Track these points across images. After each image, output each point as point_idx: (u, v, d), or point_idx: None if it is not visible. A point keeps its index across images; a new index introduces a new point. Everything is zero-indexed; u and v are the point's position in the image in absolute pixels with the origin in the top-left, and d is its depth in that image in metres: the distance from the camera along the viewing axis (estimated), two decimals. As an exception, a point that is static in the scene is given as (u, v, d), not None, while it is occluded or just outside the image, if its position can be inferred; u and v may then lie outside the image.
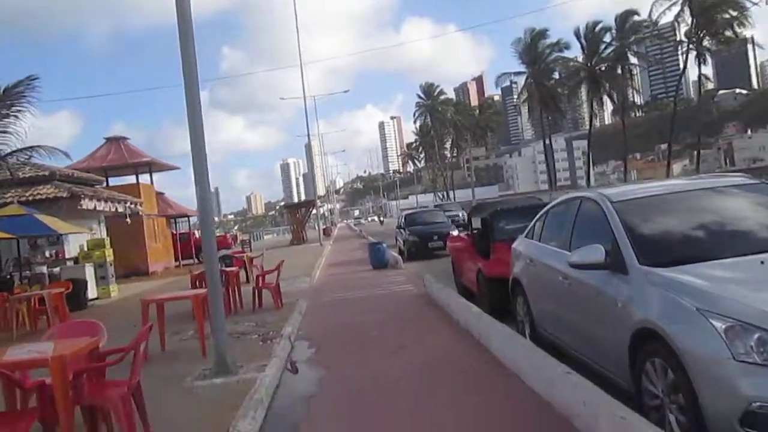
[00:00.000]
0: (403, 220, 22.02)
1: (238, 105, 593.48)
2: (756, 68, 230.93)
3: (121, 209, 19.52)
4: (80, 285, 15.30)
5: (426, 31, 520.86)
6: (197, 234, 38.46)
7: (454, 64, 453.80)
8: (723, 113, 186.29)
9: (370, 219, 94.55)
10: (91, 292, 16.87)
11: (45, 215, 14.87)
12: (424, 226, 20.75)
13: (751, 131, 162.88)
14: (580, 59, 51.04)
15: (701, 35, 42.90)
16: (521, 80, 57.57)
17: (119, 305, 15.55)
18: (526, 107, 58.16)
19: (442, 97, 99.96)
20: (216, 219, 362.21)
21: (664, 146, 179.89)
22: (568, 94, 53.71)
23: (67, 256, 17.99)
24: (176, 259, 31.88)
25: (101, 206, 17.93)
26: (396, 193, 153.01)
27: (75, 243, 18.62)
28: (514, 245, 7.13)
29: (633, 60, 50.83)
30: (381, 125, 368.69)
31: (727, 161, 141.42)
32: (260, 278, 11.65)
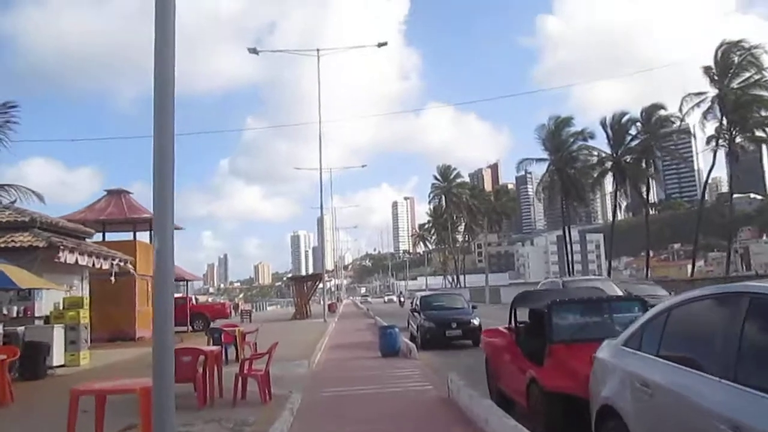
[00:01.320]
0: (417, 302, 19.75)
1: (257, 175, 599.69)
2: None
3: (106, 266, 17.55)
4: (40, 349, 13.19)
5: (447, 116, 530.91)
6: (194, 300, 36.41)
7: (471, 150, 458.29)
8: (737, 217, 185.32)
9: (386, 298, 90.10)
10: (57, 358, 14.67)
11: (13, 266, 12.93)
12: (442, 311, 18.51)
13: (767, 237, 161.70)
14: (604, 149, 50.04)
15: (734, 133, 41.67)
16: (541, 168, 56.49)
17: (84, 377, 13.30)
18: (546, 195, 56.58)
19: (459, 180, 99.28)
20: (222, 285, 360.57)
21: (677, 245, 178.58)
22: (592, 183, 52.19)
23: (37, 314, 15.89)
24: (168, 326, 29.57)
25: (84, 261, 15.99)
26: (405, 274, 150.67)
27: (50, 300, 16.55)
28: (599, 354, 5.02)
29: (658, 154, 49.63)
30: (394, 205, 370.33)
31: (744, 265, 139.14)
32: (246, 363, 9.46)
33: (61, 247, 14.77)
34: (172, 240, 4.61)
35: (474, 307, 19.09)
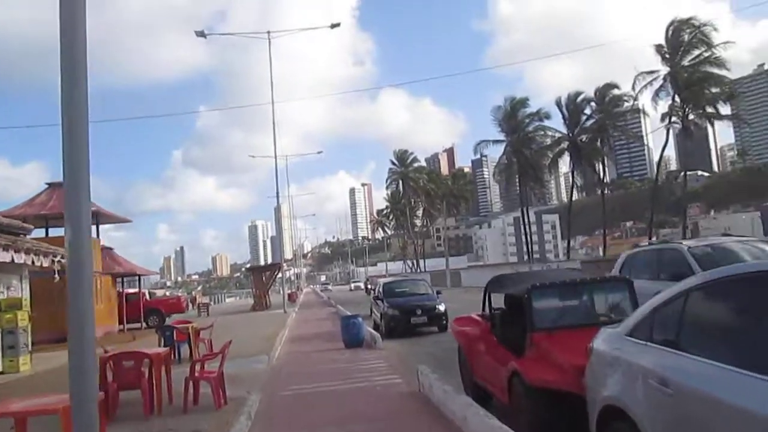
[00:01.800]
0: (380, 290, 19.02)
1: (211, 165, 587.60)
2: (716, 152, 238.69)
3: (47, 263, 16.34)
4: (-30, 358, 12.09)
5: (402, 102, 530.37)
6: (148, 295, 35.03)
7: (427, 135, 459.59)
8: (686, 194, 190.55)
9: (353, 285, 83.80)
10: (-7, 365, 13.57)
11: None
12: (406, 298, 17.88)
13: (714, 212, 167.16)
14: (560, 129, 50.07)
15: (687, 110, 42.08)
16: (497, 150, 56.33)
17: (21, 385, 12.25)
18: (503, 177, 56.45)
19: (416, 164, 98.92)
20: (179, 279, 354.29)
21: (629, 223, 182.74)
22: (549, 164, 52.23)
23: (-32, 319, 14.69)
24: (120, 323, 28.31)
25: (20, 259, 14.78)
26: (365, 260, 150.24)
27: (-16, 302, 15.34)
28: (596, 345, 4.41)
29: (613, 133, 49.94)
30: (352, 191, 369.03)
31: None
32: (197, 365, 8.64)
33: (-6, 245, 13.56)
34: (88, 230, 3.82)
35: (438, 293, 18.51)
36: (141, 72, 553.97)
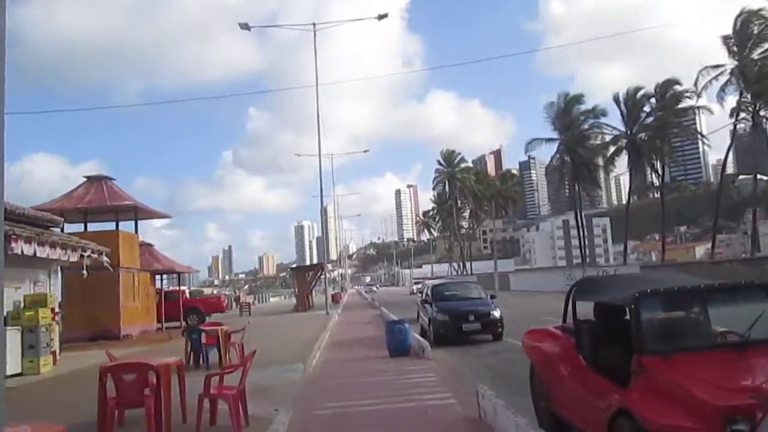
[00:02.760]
0: (429, 293, 17.35)
1: (260, 166, 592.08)
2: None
3: (75, 258, 15.38)
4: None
5: (450, 104, 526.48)
6: (188, 293, 34.31)
7: (475, 137, 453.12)
8: (744, 199, 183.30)
9: (415, 288, 70.39)
10: (12, 366, 12.59)
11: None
12: (457, 302, 16.27)
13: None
14: (618, 127, 47.45)
15: (759, 105, 39.16)
16: (549, 150, 53.80)
17: (32, 391, 11.19)
18: (556, 177, 53.86)
19: (463, 165, 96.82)
20: (227, 277, 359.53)
21: (683, 228, 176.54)
22: (606, 163, 49.56)
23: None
24: (159, 321, 27.53)
25: (44, 252, 13.82)
26: (410, 262, 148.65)
27: (9, 299, 14.42)
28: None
29: (675, 131, 47.10)
30: (397, 193, 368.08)
31: (752, 247, 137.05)
32: (212, 379, 7.27)
33: (14, 237, 12.58)
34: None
35: (493, 297, 16.84)
36: (192, 73, 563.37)
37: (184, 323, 29.01)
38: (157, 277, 30.12)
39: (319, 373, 11.76)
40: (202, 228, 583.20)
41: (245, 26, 31.64)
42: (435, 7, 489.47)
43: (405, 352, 13.14)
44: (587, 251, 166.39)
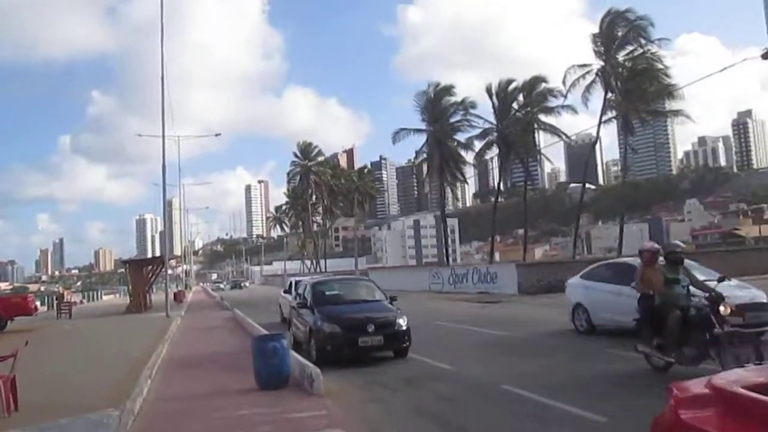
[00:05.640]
0: (309, 294, 12.81)
1: (102, 153, 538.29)
2: (602, 166, 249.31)
3: None
4: None
5: (308, 101, 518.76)
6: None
7: (331, 136, 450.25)
8: (576, 204, 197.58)
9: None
10: None
11: None
12: (350, 307, 12.00)
13: (601, 222, 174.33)
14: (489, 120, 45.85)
15: (630, 103, 38.96)
16: (419, 139, 51.23)
17: None
18: (426, 168, 51.22)
19: (320, 158, 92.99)
20: (57, 273, 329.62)
21: (521, 231, 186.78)
22: (476, 156, 47.75)
23: None
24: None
25: None
26: (260, 258, 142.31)
27: None
28: None
29: (542, 130, 46.37)
30: (248, 188, 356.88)
31: (585, 249, 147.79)
32: None
33: None
34: None
35: (393, 299, 12.60)
36: (34, 49, 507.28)
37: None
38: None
39: (148, 428, 7.20)
40: (32, 218, 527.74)
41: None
42: (296, 1, 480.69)
43: (282, 382, 8.93)
44: (436, 251, 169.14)
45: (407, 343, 11.37)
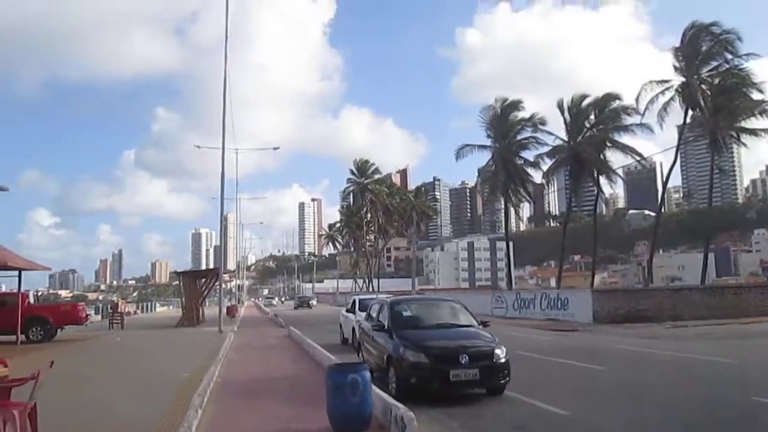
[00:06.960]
0: (386, 315, 10.81)
1: (164, 168, 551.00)
2: (663, 192, 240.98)
3: None
4: None
5: (364, 121, 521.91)
6: (32, 298, 26.43)
7: (386, 156, 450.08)
8: (634, 231, 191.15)
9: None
10: None
11: None
12: (438, 333, 9.97)
13: (661, 251, 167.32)
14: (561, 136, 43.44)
15: (719, 120, 36.00)
16: (479, 159, 49.16)
17: None
18: (487, 186, 48.99)
19: (377, 176, 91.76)
20: (115, 282, 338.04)
21: (577, 257, 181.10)
22: (546, 173, 45.31)
23: None
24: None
25: None
26: (312, 276, 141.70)
27: None
28: None
29: (614, 150, 43.61)
30: (301, 206, 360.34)
31: (642, 277, 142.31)
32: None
33: None
34: None
35: (485, 324, 10.68)
36: (101, 68, 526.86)
37: (24, 337, 21.50)
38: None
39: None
40: (94, 229, 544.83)
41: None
42: (356, 23, 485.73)
43: (363, 424, 7.09)
44: (490, 274, 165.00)
45: (506, 379, 9.35)
